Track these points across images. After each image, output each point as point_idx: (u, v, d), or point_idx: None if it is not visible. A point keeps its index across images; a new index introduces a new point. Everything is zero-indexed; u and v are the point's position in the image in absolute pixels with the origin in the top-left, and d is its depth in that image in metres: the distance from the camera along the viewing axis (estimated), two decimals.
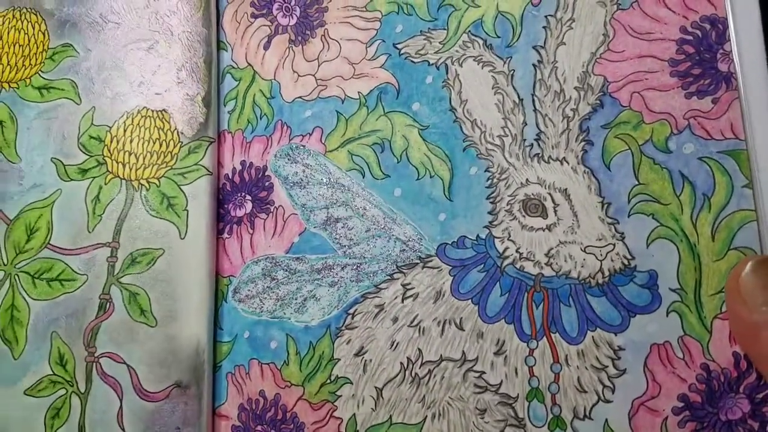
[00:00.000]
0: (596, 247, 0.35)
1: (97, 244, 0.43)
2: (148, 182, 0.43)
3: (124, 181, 0.43)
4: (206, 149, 0.43)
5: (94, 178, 0.43)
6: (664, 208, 0.34)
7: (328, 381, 0.39)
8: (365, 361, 0.38)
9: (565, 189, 0.36)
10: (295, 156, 0.42)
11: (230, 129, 0.44)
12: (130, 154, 0.44)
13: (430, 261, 0.38)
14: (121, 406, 0.41)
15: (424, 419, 0.37)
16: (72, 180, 0.44)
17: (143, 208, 0.43)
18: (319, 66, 0.42)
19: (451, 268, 0.38)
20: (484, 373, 0.36)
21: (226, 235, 0.43)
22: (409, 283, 0.38)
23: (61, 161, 0.44)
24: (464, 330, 0.37)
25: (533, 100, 0.37)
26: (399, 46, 0.40)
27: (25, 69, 0.46)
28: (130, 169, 0.43)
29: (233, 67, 0.44)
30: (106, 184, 0.43)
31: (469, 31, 0.39)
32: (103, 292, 0.42)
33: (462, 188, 0.38)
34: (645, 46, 0.36)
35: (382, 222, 0.39)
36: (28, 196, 0.44)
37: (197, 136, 0.43)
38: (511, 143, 0.38)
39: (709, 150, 0.34)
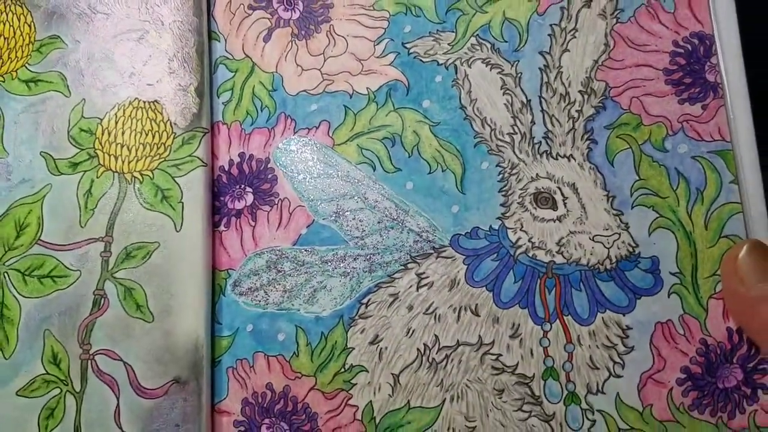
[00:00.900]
0: (603, 236, 0.39)
1: (90, 239, 0.41)
2: (141, 175, 0.42)
3: (116, 174, 0.42)
4: (200, 140, 0.43)
5: (86, 171, 0.42)
6: (662, 201, 0.39)
7: (342, 370, 0.40)
8: (381, 348, 0.40)
9: (573, 183, 0.40)
10: (301, 148, 0.43)
11: (225, 120, 0.44)
12: (122, 147, 0.42)
13: (444, 251, 0.41)
14: (118, 405, 0.39)
15: (443, 402, 0.39)
16: (62, 174, 0.42)
17: (137, 201, 0.42)
18: (324, 61, 0.43)
19: (465, 257, 0.40)
20: (500, 355, 0.39)
21: (222, 227, 0.43)
22: (424, 272, 0.41)
23: (50, 155, 0.42)
24: (480, 316, 0.40)
25: (540, 102, 0.41)
26: (408, 46, 0.42)
27: (11, 62, 0.43)
28: (123, 162, 0.42)
29: (228, 59, 0.45)
30: (98, 177, 0.42)
31: (477, 34, 0.42)
32: (97, 288, 0.41)
33: (474, 182, 0.41)
34: (642, 56, 0.40)
35: (394, 213, 0.41)
36: (16, 191, 0.42)
37: (191, 127, 0.43)
38: (520, 141, 0.41)
39: (701, 150, 0.39)
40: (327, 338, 0.41)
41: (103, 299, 0.41)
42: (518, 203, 0.40)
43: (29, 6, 0.44)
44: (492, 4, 0.42)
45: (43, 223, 0.41)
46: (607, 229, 0.39)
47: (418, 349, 0.40)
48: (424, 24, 0.43)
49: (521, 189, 0.40)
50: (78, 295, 0.40)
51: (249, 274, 0.42)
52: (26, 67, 0.44)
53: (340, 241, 0.42)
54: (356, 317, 0.41)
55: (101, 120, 0.43)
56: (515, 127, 0.41)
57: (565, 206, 0.40)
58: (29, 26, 0.44)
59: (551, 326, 0.39)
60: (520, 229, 0.40)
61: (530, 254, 0.40)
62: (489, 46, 0.42)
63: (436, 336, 0.40)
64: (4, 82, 0.43)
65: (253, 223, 0.42)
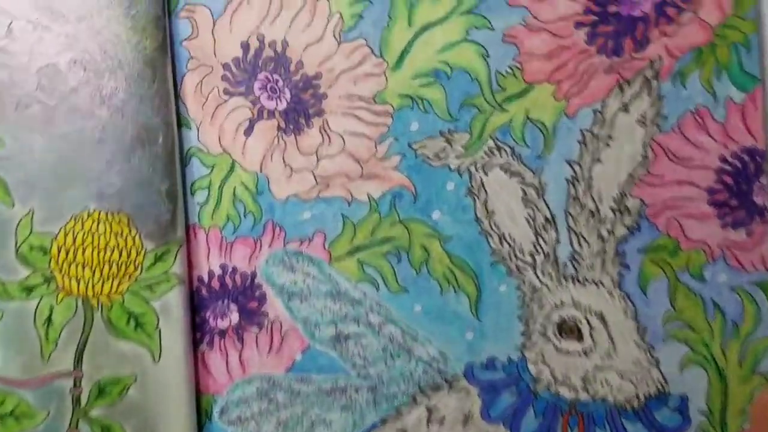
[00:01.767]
0: (632, 372, 0.37)
1: (56, 373, 0.37)
2: (109, 299, 0.37)
3: (79, 300, 0.37)
4: (176, 254, 0.38)
5: (43, 296, 0.37)
6: (696, 335, 0.37)
7: None
8: None
9: (601, 312, 0.37)
10: (293, 263, 0.39)
11: (202, 224, 0.39)
12: (83, 267, 0.37)
13: (457, 383, 0.38)
14: None
15: None
16: (15, 299, 0.37)
17: (106, 330, 0.38)
18: (318, 161, 0.39)
19: (480, 390, 0.38)
20: None
21: (205, 346, 0.39)
22: (434, 406, 0.38)
23: None
24: None
25: (567, 218, 0.37)
26: (415, 147, 0.38)
27: None
28: (86, 285, 0.37)
29: (202, 151, 0.39)
30: (58, 303, 0.37)
31: (495, 136, 0.38)
32: (70, 428, 0.37)
33: (491, 306, 0.38)
34: (684, 172, 0.37)
35: (401, 339, 0.38)
36: None
37: (164, 239, 0.38)
38: (543, 261, 0.38)
39: (741, 280, 0.37)
40: None
41: None
42: (540, 333, 0.37)
43: None
44: (513, 101, 0.37)
45: None
46: (636, 365, 0.37)
47: None
48: (433, 121, 0.38)
49: (544, 317, 0.37)
50: None
51: (237, 402, 0.39)
52: None
53: (340, 370, 0.38)
54: None
55: (56, 235, 0.38)
56: (538, 246, 0.38)
57: (592, 338, 0.37)
58: None
59: None
60: (542, 362, 0.37)
61: (552, 390, 0.37)
62: (509, 150, 0.38)
63: None
64: None
65: (239, 346, 0.39)
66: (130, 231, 0.38)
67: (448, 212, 0.38)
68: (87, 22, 0.38)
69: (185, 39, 0.39)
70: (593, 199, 0.37)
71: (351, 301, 0.38)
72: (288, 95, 0.39)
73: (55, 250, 0.38)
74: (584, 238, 0.37)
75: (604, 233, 0.37)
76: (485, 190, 0.38)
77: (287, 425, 0.38)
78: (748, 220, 0.37)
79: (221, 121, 0.39)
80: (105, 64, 0.38)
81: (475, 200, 0.38)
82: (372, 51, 0.38)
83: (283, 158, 0.39)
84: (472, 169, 0.38)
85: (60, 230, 0.37)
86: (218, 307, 0.39)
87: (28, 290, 0.37)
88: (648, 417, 0.37)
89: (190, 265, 0.39)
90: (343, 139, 0.38)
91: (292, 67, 0.38)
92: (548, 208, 0.38)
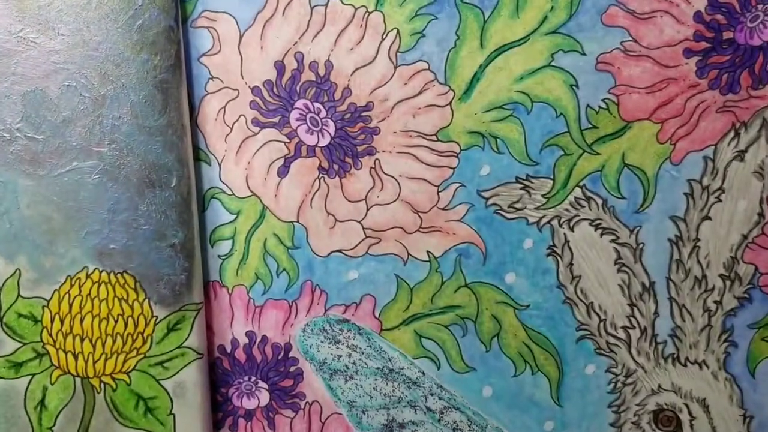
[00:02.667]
0: None
1: None
2: (113, 380, 0.33)
3: (78, 379, 0.33)
4: (193, 322, 0.33)
5: (34, 375, 0.32)
6: None
7: None
8: None
9: (704, 399, 0.33)
10: (336, 333, 0.34)
11: (225, 282, 0.34)
12: (82, 340, 0.32)
13: None
14: None
15: None
16: (1, 377, 0.32)
17: (111, 416, 0.33)
18: (367, 210, 0.33)
19: None
20: None
21: (227, 430, 0.35)
22: None
23: None
24: None
25: (668, 286, 0.33)
26: (485, 195, 0.33)
27: None
28: (85, 362, 0.32)
29: (224, 193, 0.34)
30: (52, 383, 0.32)
31: (584, 185, 0.33)
32: None
33: (575, 391, 0.34)
34: None
35: (466, 429, 0.34)
36: None
37: (178, 305, 0.33)
38: (639, 338, 0.33)
39: None
40: None
41: None
42: (633, 423, 0.34)
43: None
44: (607, 142, 0.32)
45: None
46: None
47: None
48: (509, 164, 0.33)
49: (638, 405, 0.34)
50: None
51: None
52: None
53: None
54: None
55: (48, 301, 0.32)
56: (633, 319, 0.33)
57: (692, 429, 0.33)
58: None
59: None
60: None
61: None
62: (600, 202, 0.33)
63: None
64: None
65: None
66: (137, 295, 0.33)
67: (524, 275, 0.34)
68: (82, 35, 0.32)
69: (204, 54, 0.33)
70: (700, 263, 0.33)
71: (406, 381, 0.34)
72: (332, 129, 0.33)
73: (47, 318, 0.33)
74: (688, 311, 0.33)
75: (711, 305, 0.33)
76: (570, 250, 0.33)
77: None
78: None
79: (249, 157, 0.34)
80: (105, 89, 0.32)
81: (557, 262, 0.34)
82: (435, 77, 0.33)
83: (325, 205, 0.34)
84: (555, 223, 0.33)
85: (53, 294, 0.33)
86: (244, 384, 0.34)
87: (17, 367, 0.33)
88: None
89: (209, 331, 0.34)
90: (398, 183, 0.33)
91: (338, 95, 0.33)
92: (646, 273, 0.33)
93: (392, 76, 0.33)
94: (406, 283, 0.34)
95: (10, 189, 0.32)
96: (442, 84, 0.33)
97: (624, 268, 0.33)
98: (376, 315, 0.34)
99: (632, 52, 0.32)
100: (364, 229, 0.34)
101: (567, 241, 0.33)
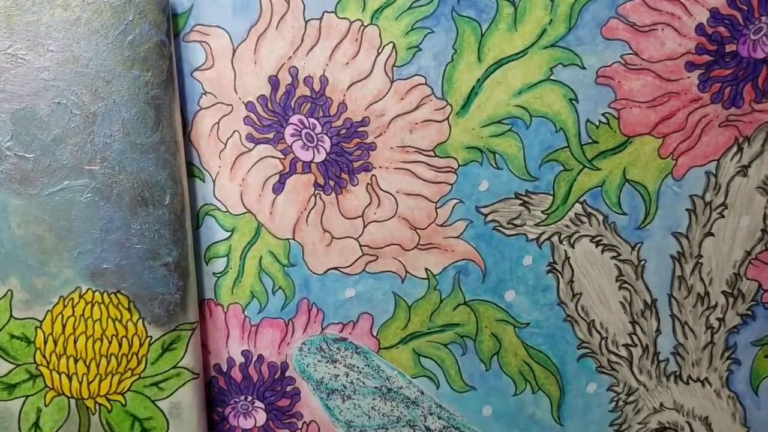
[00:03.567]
0: None
1: None
2: (108, 401, 0.33)
3: (72, 401, 0.33)
4: (188, 342, 0.34)
5: (28, 396, 0.33)
6: None
7: None
8: None
9: (706, 417, 0.34)
10: (334, 352, 0.35)
11: (220, 300, 0.35)
12: (76, 361, 0.33)
13: None
14: None
15: None
16: None
17: None
18: (364, 227, 0.34)
19: None
20: None
21: None
22: None
23: None
24: None
25: (670, 303, 0.34)
26: (484, 211, 0.34)
27: None
28: (80, 383, 0.33)
29: (218, 210, 0.35)
30: (47, 405, 0.33)
31: (585, 200, 0.34)
32: None
33: (576, 410, 0.35)
34: None
35: None
36: None
37: (173, 324, 0.33)
38: (641, 356, 0.34)
39: None
40: None
41: None
42: None
43: None
44: (607, 157, 0.33)
45: None
46: None
47: None
48: (508, 180, 0.33)
49: (640, 423, 0.34)
50: None
51: None
52: None
53: None
54: None
55: (41, 322, 0.33)
56: (634, 337, 0.34)
57: None
58: None
59: None
60: None
61: None
62: (600, 218, 0.33)
63: None
64: None
65: None
66: (131, 315, 0.33)
67: (524, 293, 0.34)
68: (72, 52, 0.32)
69: (197, 69, 0.34)
70: (702, 280, 0.34)
71: (405, 400, 0.35)
72: (327, 144, 0.34)
73: (40, 339, 0.33)
74: (690, 328, 0.34)
75: (714, 322, 0.34)
76: (571, 267, 0.34)
77: None
78: None
79: (244, 173, 0.34)
80: (95, 106, 0.32)
81: (558, 279, 0.34)
82: (432, 91, 0.33)
83: (321, 222, 0.34)
84: (555, 240, 0.34)
85: (46, 315, 0.33)
86: (240, 404, 0.35)
87: (11, 388, 0.33)
88: None
89: (205, 350, 0.35)
90: (395, 200, 0.34)
91: (333, 110, 0.33)
92: (648, 290, 0.34)
93: (388, 91, 0.33)
94: (404, 301, 0.34)
95: (1, 209, 0.32)
96: (439, 98, 0.33)
97: (625, 285, 0.34)
98: (374, 333, 0.34)
99: (633, 66, 0.32)
100: (361, 246, 0.34)
101: (567, 258, 0.34)
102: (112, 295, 0.33)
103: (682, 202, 0.33)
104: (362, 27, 0.32)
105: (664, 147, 0.33)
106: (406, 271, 0.34)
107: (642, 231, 0.33)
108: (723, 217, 0.33)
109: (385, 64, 0.33)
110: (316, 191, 0.34)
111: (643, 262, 0.33)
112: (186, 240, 0.33)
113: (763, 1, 0.31)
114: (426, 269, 0.34)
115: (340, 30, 0.32)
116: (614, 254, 0.33)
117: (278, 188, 0.34)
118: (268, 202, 0.34)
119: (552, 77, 0.33)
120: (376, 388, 0.34)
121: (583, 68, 0.32)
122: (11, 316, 0.33)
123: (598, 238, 0.33)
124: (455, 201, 0.34)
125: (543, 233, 0.34)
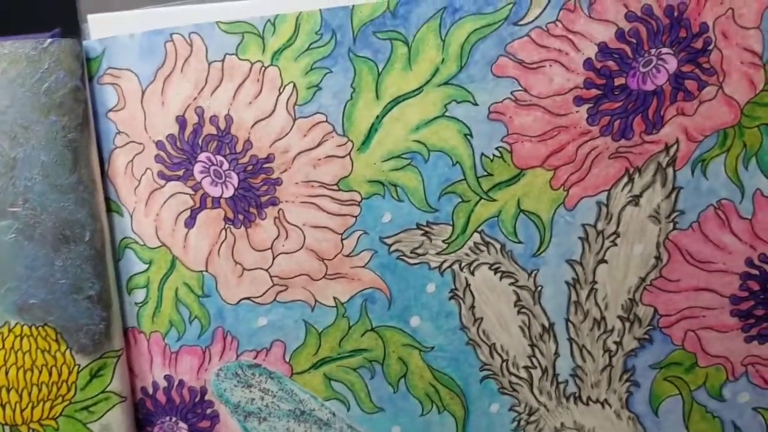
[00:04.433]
0: None
1: None
2: (41, 426, 0.36)
3: (7, 428, 0.36)
4: (114, 368, 0.37)
5: None
6: None
7: None
8: None
9: None
10: (249, 378, 0.37)
11: (143, 328, 0.38)
12: (8, 391, 0.36)
13: None
14: None
15: None
16: None
17: None
18: (274, 259, 0.36)
19: None
20: None
21: None
22: None
23: None
24: None
25: (567, 327, 0.35)
26: (388, 241, 0.35)
27: None
28: (13, 411, 0.36)
29: (137, 243, 0.38)
30: None
31: (482, 230, 0.35)
32: None
33: (481, 429, 0.36)
34: (704, 277, 0.34)
35: None
36: None
37: (99, 353, 0.36)
38: (540, 378, 0.36)
39: (766, 400, 0.35)
40: None
41: None
42: None
43: None
44: (502, 189, 0.34)
45: None
46: None
47: None
48: (409, 212, 0.35)
49: None
50: None
51: None
52: None
53: None
54: None
55: None
56: (534, 359, 0.36)
57: None
58: None
59: None
60: None
61: None
62: (498, 246, 0.35)
63: None
64: None
65: None
66: (59, 346, 0.36)
67: (428, 318, 0.36)
68: None
69: (111, 110, 0.36)
70: (598, 305, 0.35)
71: (317, 422, 0.37)
72: (235, 180, 0.36)
73: None
74: (588, 351, 0.36)
75: (611, 346, 0.35)
76: (472, 293, 0.36)
77: None
78: None
79: (157, 209, 0.36)
80: (15, 152, 0.35)
81: (460, 304, 0.36)
82: (334, 128, 0.35)
83: (233, 255, 0.36)
84: (456, 267, 0.36)
85: None
86: (166, 424, 0.38)
87: None
88: None
89: (132, 373, 0.38)
90: (302, 232, 0.36)
91: (239, 147, 0.35)
92: (545, 315, 0.35)
93: (291, 129, 0.35)
94: (315, 329, 0.36)
95: None
96: (340, 135, 0.35)
97: (524, 310, 0.36)
98: (287, 359, 0.37)
99: (523, 102, 0.34)
100: (271, 277, 0.36)
101: (468, 285, 0.36)
102: (40, 328, 0.36)
103: (575, 231, 0.35)
104: (263, 68, 0.34)
105: (556, 179, 0.34)
106: (316, 300, 0.36)
107: (538, 258, 0.35)
108: (615, 245, 0.35)
109: (287, 103, 0.35)
110: (227, 225, 0.36)
111: (540, 288, 0.35)
112: (107, 273, 0.36)
113: (652, 34, 0.33)
114: (334, 298, 0.36)
115: (242, 71, 0.35)
116: (512, 281, 0.35)
117: (190, 223, 0.36)
118: (181, 236, 0.36)
119: (447, 114, 0.34)
120: (290, 410, 0.37)
121: (476, 104, 0.34)
122: None
123: (497, 265, 0.35)
124: (360, 232, 0.36)
125: (444, 261, 0.36)
